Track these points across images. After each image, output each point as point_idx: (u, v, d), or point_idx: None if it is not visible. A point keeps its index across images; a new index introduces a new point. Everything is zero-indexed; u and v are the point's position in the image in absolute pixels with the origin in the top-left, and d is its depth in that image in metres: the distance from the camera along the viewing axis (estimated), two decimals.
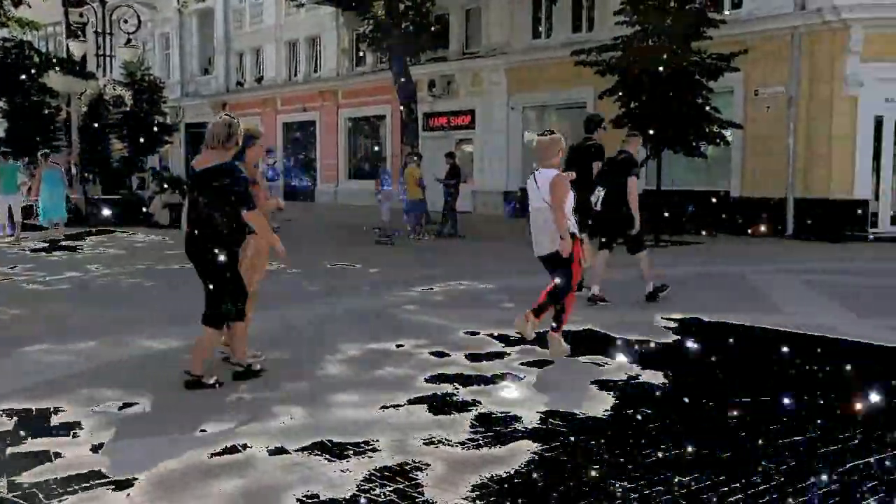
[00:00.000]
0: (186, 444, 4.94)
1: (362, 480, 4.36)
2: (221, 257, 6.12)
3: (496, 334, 8.20)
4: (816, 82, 18.78)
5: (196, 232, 6.20)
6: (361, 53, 30.82)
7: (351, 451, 4.80)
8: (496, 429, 5.25)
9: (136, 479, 4.36)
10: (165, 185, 23.04)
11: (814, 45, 18.81)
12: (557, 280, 7.35)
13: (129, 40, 26.95)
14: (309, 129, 34.88)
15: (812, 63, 18.84)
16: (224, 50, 38.24)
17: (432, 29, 24.18)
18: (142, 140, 27.14)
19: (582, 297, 9.42)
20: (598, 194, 10.14)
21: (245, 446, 4.87)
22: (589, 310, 9.37)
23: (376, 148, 31.98)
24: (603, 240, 10.37)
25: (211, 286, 6.22)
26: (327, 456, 4.74)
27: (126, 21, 28.13)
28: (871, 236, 18.28)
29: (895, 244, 17.40)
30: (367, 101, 31.09)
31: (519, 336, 7.82)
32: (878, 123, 18.45)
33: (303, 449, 4.84)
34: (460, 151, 26.43)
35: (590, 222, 10.05)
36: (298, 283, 11.60)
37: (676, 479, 4.35)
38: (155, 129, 28.00)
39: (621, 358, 7.23)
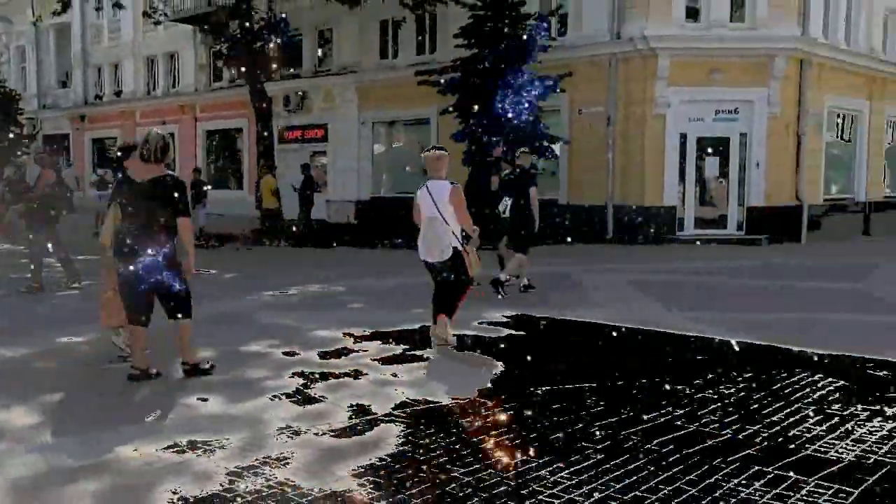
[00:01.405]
0: (49, 450, 4.88)
1: (227, 475, 4.40)
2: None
3: (346, 333, 8.39)
4: (631, 103, 19.73)
5: (138, 242, 6.28)
6: (219, 69, 30.27)
7: (214, 448, 4.85)
8: (353, 420, 5.41)
9: None
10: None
11: (628, 71, 19.77)
12: (452, 285, 7.68)
13: None
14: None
15: (627, 86, 19.79)
16: (82, 63, 36.60)
17: (286, 48, 24.07)
18: None
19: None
20: (506, 203, 11.11)
21: (109, 448, 4.82)
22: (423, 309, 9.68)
23: (234, 160, 31.48)
24: (514, 243, 11.24)
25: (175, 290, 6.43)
26: (192, 454, 4.76)
27: None
28: (679, 238, 19.43)
29: (698, 245, 18.66)
30: (225, 114, 30.51)
31: (368, 334, 8.12)
32: (683, 140, 19.60)
33: (167, 448, 4.84)
34: (317, 163, 26.47)
35: (495, 228, 11.22)
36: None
37: (513, 462, 4.65)
38: (10, 137, 26.65)
39: (461, 351, 7.57)
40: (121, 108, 34.95)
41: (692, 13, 19.64)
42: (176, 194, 6.35)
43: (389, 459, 4.67)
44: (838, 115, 22.49)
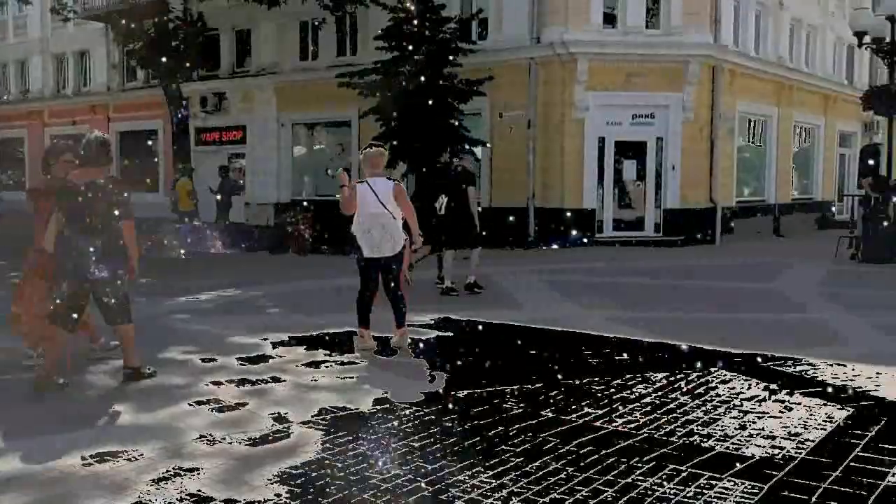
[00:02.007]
0: None
1: (140, 487, 4.29)
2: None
3: (264, 338, 8.27)
4: (551, 107, 19.97)
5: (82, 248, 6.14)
6: (133, 68, 29.52)
7: (127, 459, 4.72)
8: (270, 427, 5.34)
9: None
10: None
11: (548, 75, 20.01)
12: (394, 283, 7.68)
13: None
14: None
15: (547, 90, 20.02)
16: None
17: (202, 48, 23.61)
18: None
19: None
20: (442, 201, 11.37)
21: (14, 463, 4.66)
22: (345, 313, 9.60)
23: (150, 162, 30.73)
24: (448, 240, 11.44)
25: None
26: (105, 466, 4.61)
27: None
28: (597, 240, 19.75)
29: (616, 246, 19.00)
30: (139, 115, 29.73)
31: (291, 339, 8.03)
32: (602, 143, 19.95)
33: (82, 460, 4.69)
34: (236, 165, 26.08)
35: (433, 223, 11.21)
36: None
37: (432, 467, 4.63)
38: None
39: (383, 355, 7.53)
40: (28, 108, 33.82)
41: (610, 19, 20.02)
42: (117, 197, 6.26)
43: (306, 467, 4.61)
44: (749, 121, 23.22)
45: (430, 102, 17.74)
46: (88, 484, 4.34)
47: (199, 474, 4.48)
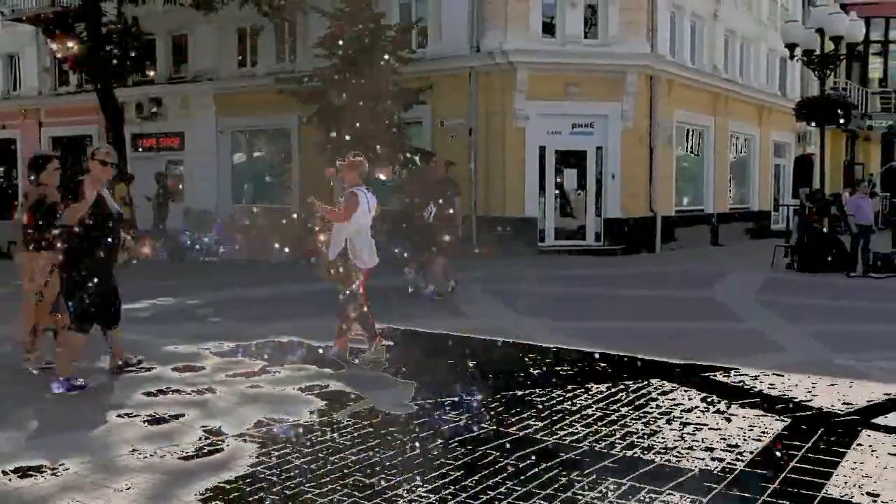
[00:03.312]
0: None
1: (67, 502, 4.14)
2: None
3: (202, 348, 8.09)
4: (492, 115, 19.98)
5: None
6: (65, 72, 28.79)
7: (52, 473, 4.54)
8: (208, 439, 5.21)
9: None
10: None
11: (488, 83, 20.03)
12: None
13: None
14: (10, 147, 32.07)
15: (487, 99, 20.05)
16: None
17: (137, 53, 23.09)
18: None
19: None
20: (431, 210, 11.76)
21: None
22: (286, 322, 9.44)
23: (83, 168, 29.98)
24: (434, 248, 11.82)
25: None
26: (26, 481, 4.43)
27: None
28: (540, 249, 19.83)
29: (558, 255, 19.10)
30: (73, 120, 28.93)
31: (230, 348, 7.87)
32: (542, 152, 20.04)
33: (3, 475, 4.52)
34: (175, 170, 25.63)
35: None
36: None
37: (369, 481, 4.53)
38: None
39: (320, 367, 7.39)
40: None
41: (549, 28, 20.15)
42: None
43: (240, 482, 4.49)
44: (687, 130, 23.57)
45: (370, 110, 17.62)
46: (10, 501, 4.17)
47: (127, 490, 4.34)
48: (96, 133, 27.67)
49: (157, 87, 26.58)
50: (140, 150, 26.95)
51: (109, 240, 6.64)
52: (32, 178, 7.15)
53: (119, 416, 5.71)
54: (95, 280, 6.48)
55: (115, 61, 22.06)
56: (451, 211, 12.08)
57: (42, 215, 6.91)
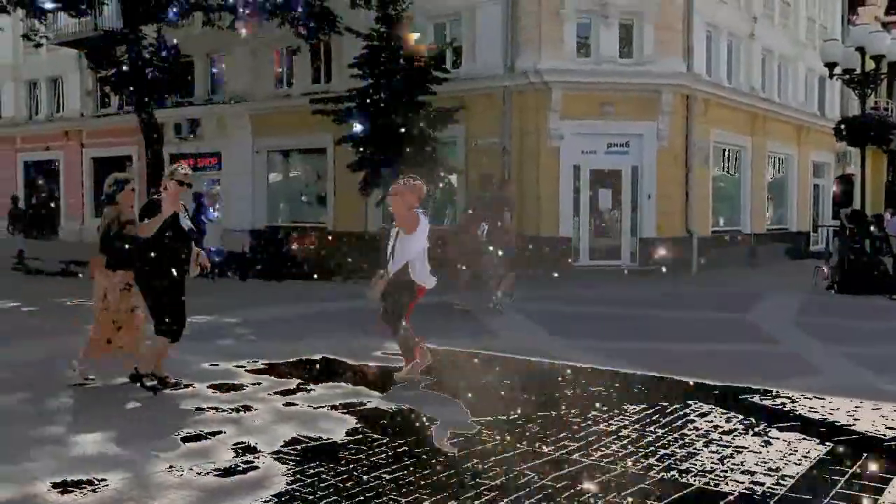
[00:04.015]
0: None
1: None
2: None
3: (238, 365, 8.13)
4: (525, 135, 20.03)
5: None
6: (107, 94, 29.33)
7: (90, 491, 4.56)
8: (244, 456, 5.22)
9: None
10: None
11: (522, 103, 20.09)
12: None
13: None
14: (53, 167, 32.74)
15: (521, 118, 20.10)
16: None
17: (176, 76, 23.45)
18: None
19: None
20: (484, 227, 12.48)
21: None
22: (319, 340, 9.45)
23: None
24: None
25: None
26: (66, 497, 4.46)
27: None
28: (574, 269, 19.69)
29: (593, 275, 18.95)
30: (113, 141, 29.53)
31: (265, 366, 7.93)
32: (577, 171, 20.01)
33: (48, 488, 4.55)
34: (215, 189, 25.96)
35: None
36: (32, 320, 10.89)
37: (405, 500, 4.50)
38: None
39: (355, 384, 7.39)
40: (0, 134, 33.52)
41: (583, 48, 20.15)
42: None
43: (275, 499, 4.48)
44: (724, 150, 23.38)
45: (403, 130, 17.72)
46: None
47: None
48: (136, 153, 28.11)
49: (195, 107, 27.01)
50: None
51: (184, 256, 6.99)
52: (104, 197, 7.38)
53: (156, 432, 5.74)
54: (175, 292, 6.88)
55: (155, 84, 22.38)
56: (503, 225, 12.70)
57: (116, 234, 7.05)
